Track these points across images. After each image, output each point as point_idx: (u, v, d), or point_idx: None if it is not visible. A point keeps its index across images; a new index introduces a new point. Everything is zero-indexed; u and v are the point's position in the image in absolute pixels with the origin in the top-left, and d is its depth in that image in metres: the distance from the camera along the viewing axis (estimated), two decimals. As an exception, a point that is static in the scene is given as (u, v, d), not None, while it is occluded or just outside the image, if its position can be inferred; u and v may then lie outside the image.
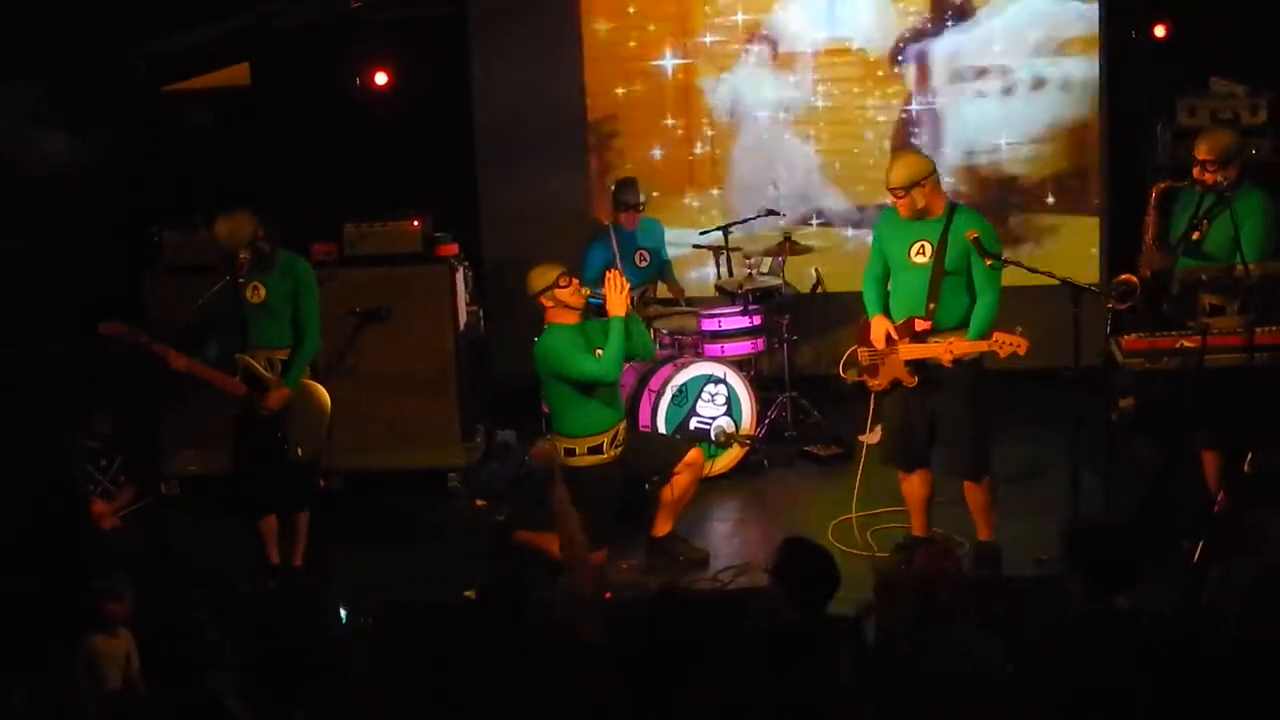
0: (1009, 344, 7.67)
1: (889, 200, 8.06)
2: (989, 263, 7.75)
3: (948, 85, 11.64)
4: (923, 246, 7.94)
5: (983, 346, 7.77)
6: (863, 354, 8.18)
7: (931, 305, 7.92)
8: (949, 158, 11.52)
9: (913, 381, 8.00)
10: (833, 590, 5.86)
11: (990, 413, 8.18)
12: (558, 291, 8.20)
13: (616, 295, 8.20)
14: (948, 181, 9.86)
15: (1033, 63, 11.51)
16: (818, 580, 5.85)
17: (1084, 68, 11.47)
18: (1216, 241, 8.11)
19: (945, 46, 11.61)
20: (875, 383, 8.18)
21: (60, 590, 7.13)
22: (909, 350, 7.97)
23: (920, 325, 7.94)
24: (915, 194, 7.87)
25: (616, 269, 8.47)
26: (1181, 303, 8.05)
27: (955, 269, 7.88)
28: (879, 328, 8.07)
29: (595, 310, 8.49)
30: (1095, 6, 11.37)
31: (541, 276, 8.24)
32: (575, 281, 8.26)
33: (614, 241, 10.52)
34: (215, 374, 8.30)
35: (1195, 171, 8.18)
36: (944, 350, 7.81)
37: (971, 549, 8.30)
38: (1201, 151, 8.14)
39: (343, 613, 7.21)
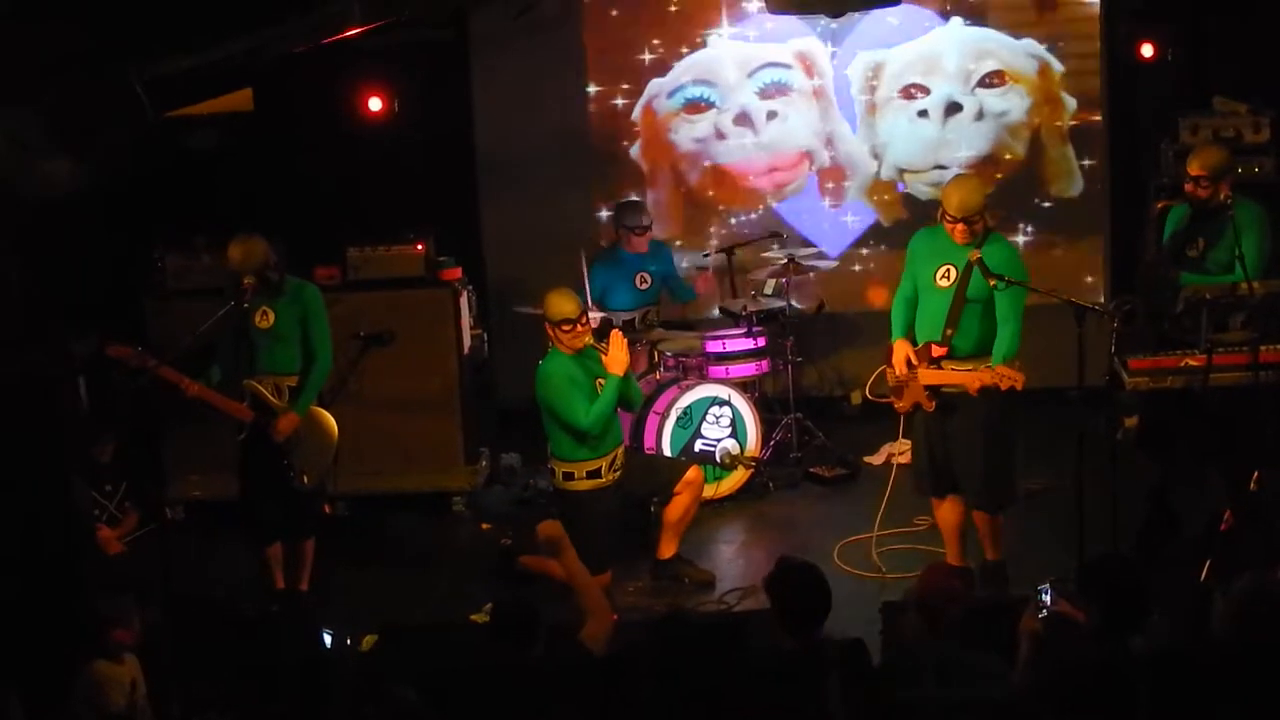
0: (1007, 378, 7.62)
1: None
2: (993, 283, 7.69)
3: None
4: (948, 270, 7.87)
5: (987, 378, 7.65)
6: (890, 375, 8.13)
7: (949, 331, 7.85)
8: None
9: (930, 406, 7.93)
10: (823, 611, 5.81)
11: (1012, 443, 8.06)
12: (560, 333, 8.23)
13: (618, 354, 8.23)
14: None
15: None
16: (807, 601, 5.80)
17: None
18: (1215, 256, 8.10)
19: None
20: (900, 405, 8.12)
21: (59, 607, 7.12)
22: (927, 376, 7.91)
23: (936, 351, 7.88)
24: (977, 223, 7.82)
25: (621, 322, 8.50)
26: (1186, 321, 8.02)
27: (977, 297, 7.80)
28: (899, 352, 8.00)
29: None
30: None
31: (554, 307, 8.25)
32: (580, 328, 8.27)
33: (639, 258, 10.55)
34: (223, 400, 8.26)
35: (1188, 188, 8.16)
36: (972, 379, 7.71)
37: (977, 568, 8.27)
38: (1194, 168, 8.13)
39: (327, 637, 7.16)
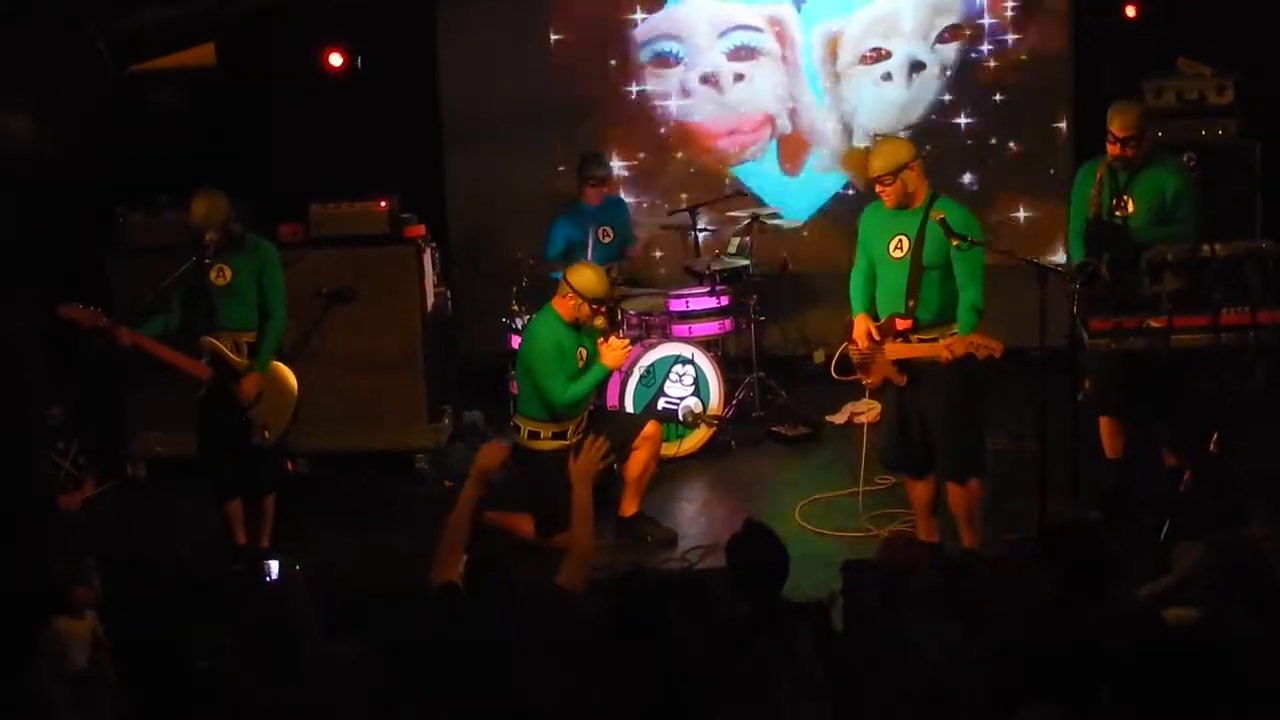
0: (985, 347, 7.43)
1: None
2: (955, 243, 7.53)
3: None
4: (900, 241, 7.69)
5: (964, 345, 7.47)
6: (853, 351, 7.90)
7: (911, 302, 7.65)
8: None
9: (902, 380, 7.74)
10: (778, 581, 5.79)
11: (980, 411, 7.89)
12: (582, 308, 8.26)
13: (618, 353, 8.28)
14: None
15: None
16: (764, 571, 5.78)
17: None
18: (1138, 215, 8.12)
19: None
20: (868, 380, 7.93)
21: (24, 570, 7.10)
22: (895, 350, 7.71)
23: (900, 324, 7.69)
24: (905, 177, 7.62)
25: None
26: (1146, 283, 8.02)
27: (933, 263, 7.61)
28: (860, 327, 7.81)
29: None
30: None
31: (591, 285, 8.32)
32: (601, 321, 8.46)
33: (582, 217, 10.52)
34: (180, 357, 8.22)
35: (1114, 149, 8.14)
36: (943, 349, 7.53)
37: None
38: (1118, 128, 8.10)
39: (274, 565, 7.10)
